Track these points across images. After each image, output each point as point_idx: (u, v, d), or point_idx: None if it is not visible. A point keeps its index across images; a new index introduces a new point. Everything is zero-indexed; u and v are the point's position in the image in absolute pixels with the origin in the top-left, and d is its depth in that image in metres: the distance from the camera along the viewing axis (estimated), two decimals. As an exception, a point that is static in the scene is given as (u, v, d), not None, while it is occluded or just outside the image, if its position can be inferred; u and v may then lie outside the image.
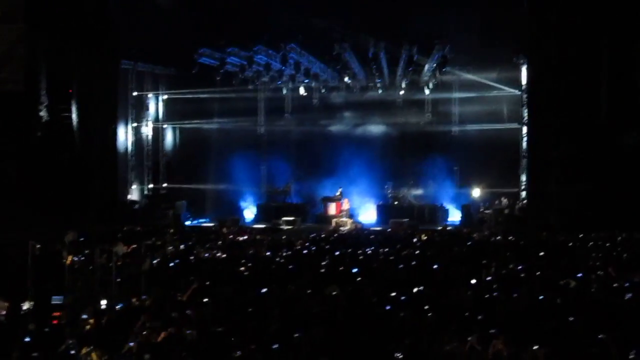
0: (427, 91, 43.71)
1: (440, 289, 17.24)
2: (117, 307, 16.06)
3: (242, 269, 21.56)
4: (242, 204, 45.18)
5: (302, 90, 45.17)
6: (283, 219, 40.40)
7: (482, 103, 42.18)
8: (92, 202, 36.47)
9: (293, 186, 44.28)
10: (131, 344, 12.95)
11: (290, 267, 21.86)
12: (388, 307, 15.15)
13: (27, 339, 13.19)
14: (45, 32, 35.57)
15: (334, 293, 16.86)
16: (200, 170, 45.85)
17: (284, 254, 25.17)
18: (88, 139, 37.27)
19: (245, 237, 32.06)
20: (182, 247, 27.13)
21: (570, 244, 26.58)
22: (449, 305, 15.49)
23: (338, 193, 41.31)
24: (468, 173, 42.38)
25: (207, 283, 18.66)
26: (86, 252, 22.91)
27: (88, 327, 14.36)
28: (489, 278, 19.14)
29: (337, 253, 24.48)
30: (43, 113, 35.51)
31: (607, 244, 26.23)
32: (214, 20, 40.53)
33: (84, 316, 14.79)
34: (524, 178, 39.54)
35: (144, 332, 13.51)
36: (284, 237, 32.11)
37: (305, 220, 42.14)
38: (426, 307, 14.85)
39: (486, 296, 16.38)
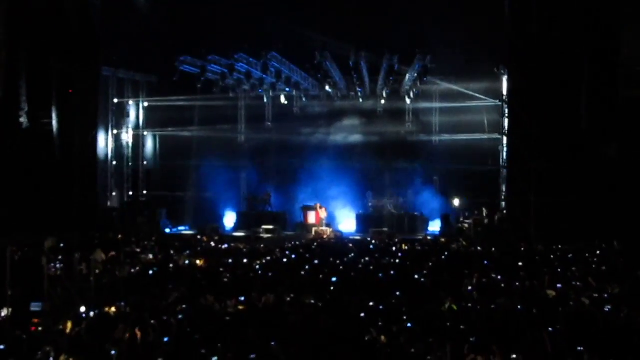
0: (407, 101, 43.71)
1: (419, 299, 17.23)
2: (95, 314, 15.96)
3: (222, 277, 21.51)
4: (222, 212, 44.97)
5: (282, 99, 45.09)
6: (263, 227, 40.39)
7: (463, 113, 42.22)
8: (72, 209, 36.31)
9: (272, 194, 44.19)
10: (112, 352, 12.88)
11: (269, 275, 21.82)
12: (364, 315, 15.14)
13: (3, 346, 13.10)
14: (26, 39, 35.48)
15: (310, 302, 16.85)
16: (180, 178, 45.65)
17: (264, 262, 25.12)
18: (68, 146, 37.16)
19: (225, 245, 31.97)
20: (161, 255, 26.99)
21: (550, 255, 26.63)
22: (428, 315, 15.48)
23: (318, 206, 41.15)
24: (448, 183, 42.40)
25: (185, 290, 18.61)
26: (65, 258, 22.80)
27: (66, 334, 14.28)
28: (470, 288, 19.15)
29: (316, 262, 24.44)
30: (23, 119, 35.38)
31: (587, 255, 26.32)
32: (195, 28, 40.47)
33: (62, 323, 14.71)
34: (504, 188, 39.58)
35: (123, 340, 13.45)
36: (263, 246, 32.06)
37: (285, 228, 42.06)
38: (405, 317, 14.85)
39: (468, 305, 16.40)
